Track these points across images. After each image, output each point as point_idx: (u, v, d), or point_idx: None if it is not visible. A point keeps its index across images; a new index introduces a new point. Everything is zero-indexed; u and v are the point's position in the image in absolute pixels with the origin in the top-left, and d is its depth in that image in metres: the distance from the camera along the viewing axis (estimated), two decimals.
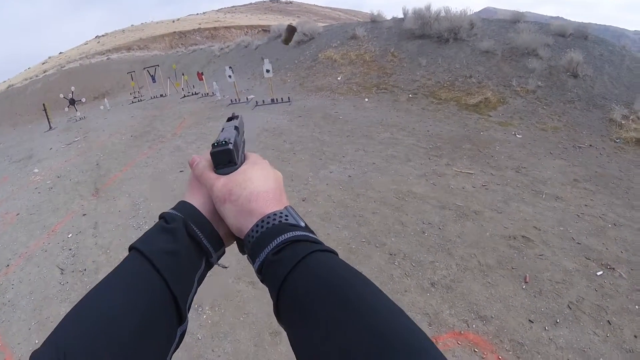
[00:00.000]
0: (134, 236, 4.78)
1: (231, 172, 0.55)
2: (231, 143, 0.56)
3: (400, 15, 12.30)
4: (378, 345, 0.32)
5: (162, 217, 0.52)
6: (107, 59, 31.75)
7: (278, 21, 36.96)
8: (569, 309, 2.90)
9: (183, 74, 16.25)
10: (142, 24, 58.27)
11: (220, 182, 0.53)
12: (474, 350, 2.66)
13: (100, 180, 7.14)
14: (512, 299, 3.04)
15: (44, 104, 16.48)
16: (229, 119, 0.69)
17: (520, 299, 3.04)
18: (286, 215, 0.49)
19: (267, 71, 9.96)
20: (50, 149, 11.05)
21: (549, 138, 6.22)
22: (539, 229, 3.90)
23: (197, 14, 70.32)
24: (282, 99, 10.21)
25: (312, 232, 0.48)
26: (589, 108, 6.84)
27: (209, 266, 0.55)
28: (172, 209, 0.54)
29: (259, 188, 0.52)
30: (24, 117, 22.40)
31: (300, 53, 13.44)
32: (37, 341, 3.45)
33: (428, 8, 11.02)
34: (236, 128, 0.63)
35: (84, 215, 5.80)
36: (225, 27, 42.80)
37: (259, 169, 0.56)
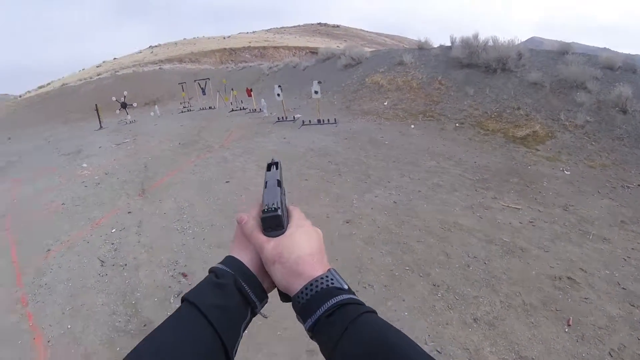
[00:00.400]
0: (177, 240, 5.04)
1: (279, 234, 0.61)
2: (280, 208, 0.61)
3: (448, 44, 12.42)
4: None
5: (212, 271, 0.59)
6: (159, 68, 33.23)
7: (325, 44, 37.59)
8: (610, 357, 2.90)
9: (232, 89, 16.85)
10: (194, 38, 60.38)
11: (271, 245, 0.59)
12: None
13: (147, 182, 7.46)
14: (554, 342, 3.06)
15: (96, 105, 17.48)
16: (269, 167, 0.73)
17: (562, 342, 3.05)
18: (332, 279, 0.55)
19: (316, 92, 10.32)
20: (100, 147, 11.67)
21: (597, 176, 6.14)
22: (585, 271, 3.89)
23: (248, 32, 72.01)
24: (328, 120, 10.46)
25: (353, 293, 0.55)
26: (638, 146, 6.71)
27: (254, 315, 0.60)
28: (221, 263, 0.60)
29: (305, 251, 0.58)
30: (75, 114, 23.58)
31: (348, 76, 13.76)
32: (69, 326, 3.62)
33: (476, 37, 11.06)
34: (279, 183, 0.67)
35: (129, 212, 6.07)
36: (274, 47, 43.61)
37: (303, 232, 0.62)
